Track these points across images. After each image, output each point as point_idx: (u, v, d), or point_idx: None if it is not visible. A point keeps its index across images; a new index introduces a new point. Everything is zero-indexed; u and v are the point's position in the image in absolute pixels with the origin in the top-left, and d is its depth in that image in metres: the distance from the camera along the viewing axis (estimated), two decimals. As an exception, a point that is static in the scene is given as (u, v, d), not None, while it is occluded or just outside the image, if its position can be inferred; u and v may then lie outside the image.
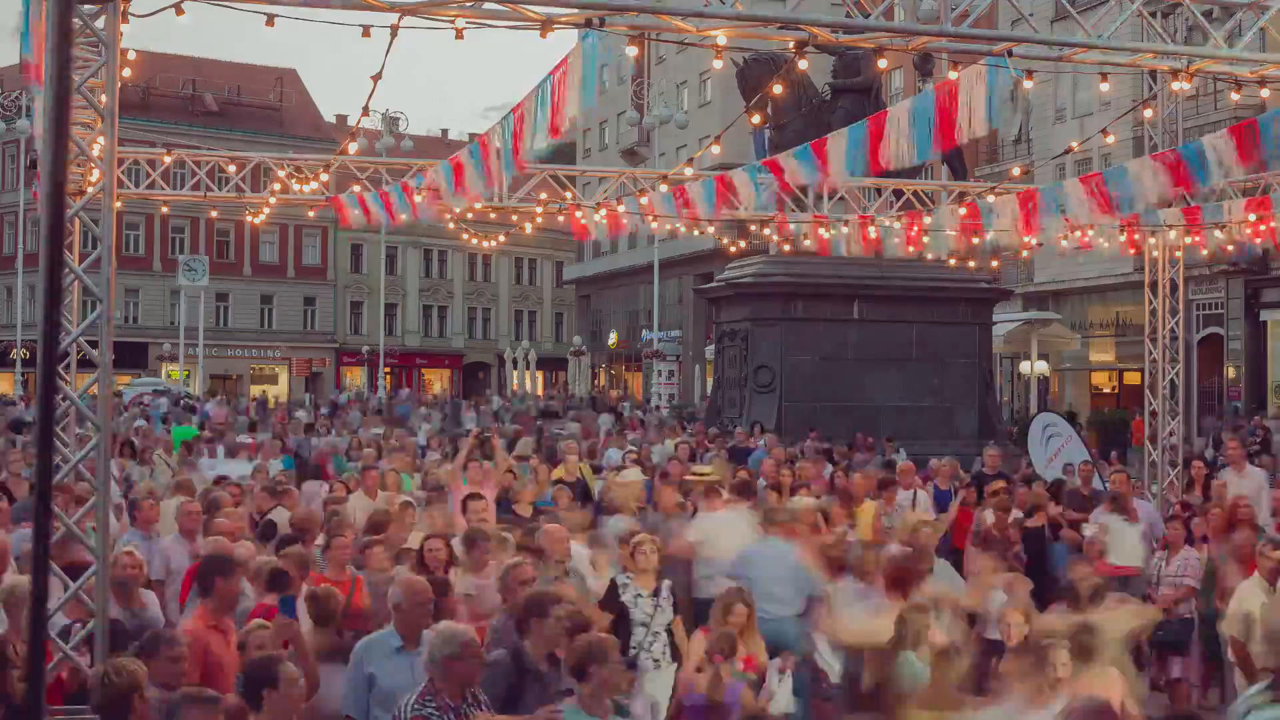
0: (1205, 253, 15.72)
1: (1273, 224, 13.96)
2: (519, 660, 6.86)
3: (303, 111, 66.59)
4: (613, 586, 8.81)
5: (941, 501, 13.74)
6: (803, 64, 10.31)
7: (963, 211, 14.76)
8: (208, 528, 9.99)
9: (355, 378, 67.01)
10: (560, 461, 15.08)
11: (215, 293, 59.10)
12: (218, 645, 6.97)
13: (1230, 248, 14.90)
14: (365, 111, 11.08)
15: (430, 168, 13.07)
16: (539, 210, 16.14)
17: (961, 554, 12.05)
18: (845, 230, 16.08)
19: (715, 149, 13.43)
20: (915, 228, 15.39)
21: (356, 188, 14.86)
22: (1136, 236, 15.32)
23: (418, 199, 12.99)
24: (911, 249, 15.78)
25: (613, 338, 61.12)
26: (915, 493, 13.60)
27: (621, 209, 15.13)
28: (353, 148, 14.26)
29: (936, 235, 15.47)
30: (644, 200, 14.82)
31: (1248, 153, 9.18)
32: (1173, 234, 14.95)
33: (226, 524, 9.85)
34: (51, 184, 3.56)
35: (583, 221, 15.64)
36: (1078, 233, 14.79)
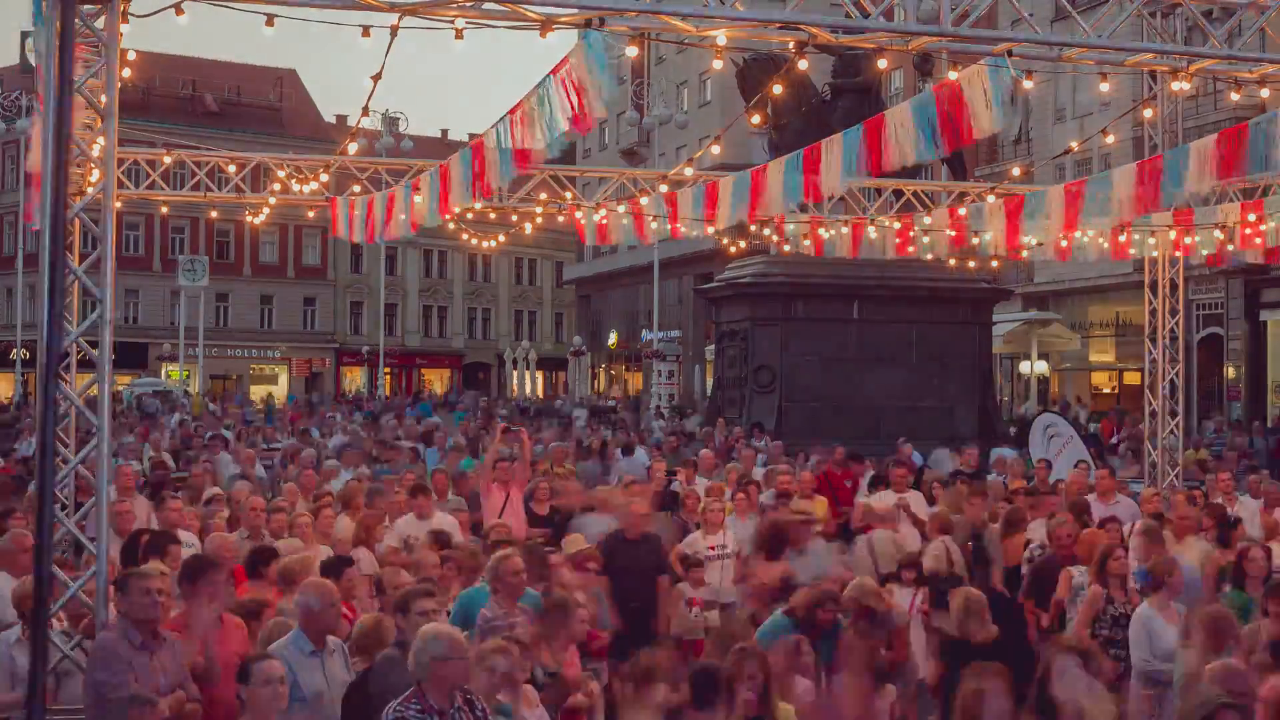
0: (1204, 253, 15.73)
1: (1266, 226, 13.95)
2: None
3: (303, 112, 66.61)
4: None
5: None
6: (803, 64, 10.32)
7: (962, 212, 14.77)
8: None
9: (355, 378, 67.07)
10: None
11: (215, 293, 59.09)
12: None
13: (1230, 247, 14.86)
14: (365, 111, 11.12)
15: (424, 173, 12.94)
16: (539, 210, 16.14)
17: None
18: (845, 231, 16.09)
19: (715, 149, 13.45)
20: (914, 229, 15.41)
21: (356, 188, 14.85)
22: (1135, 237, 15.30)
23: (414, 203, 12.75)
24: (911, 249, 15.79)
25: (613, 338, 61.08)
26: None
27: (621, 209, 15.11)
28: (352, 148, 14.27)
29: (935, 235, 15.48)
30: (644, 201, 14.81)
31: (1231, 164, 9.07)
32: (1172, 234, 14.95)
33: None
34: (52, 184, 3.57)
35: (582, 222, 15.64)
36: (1073, 234, 14.75)
